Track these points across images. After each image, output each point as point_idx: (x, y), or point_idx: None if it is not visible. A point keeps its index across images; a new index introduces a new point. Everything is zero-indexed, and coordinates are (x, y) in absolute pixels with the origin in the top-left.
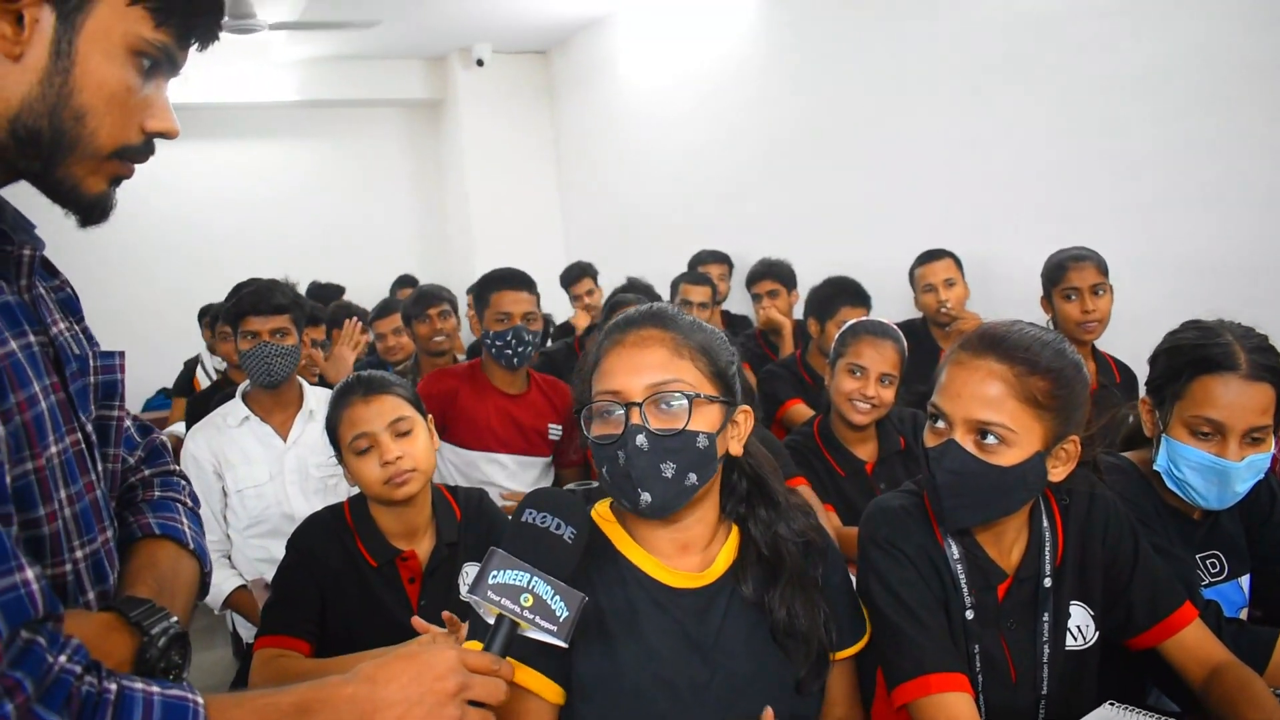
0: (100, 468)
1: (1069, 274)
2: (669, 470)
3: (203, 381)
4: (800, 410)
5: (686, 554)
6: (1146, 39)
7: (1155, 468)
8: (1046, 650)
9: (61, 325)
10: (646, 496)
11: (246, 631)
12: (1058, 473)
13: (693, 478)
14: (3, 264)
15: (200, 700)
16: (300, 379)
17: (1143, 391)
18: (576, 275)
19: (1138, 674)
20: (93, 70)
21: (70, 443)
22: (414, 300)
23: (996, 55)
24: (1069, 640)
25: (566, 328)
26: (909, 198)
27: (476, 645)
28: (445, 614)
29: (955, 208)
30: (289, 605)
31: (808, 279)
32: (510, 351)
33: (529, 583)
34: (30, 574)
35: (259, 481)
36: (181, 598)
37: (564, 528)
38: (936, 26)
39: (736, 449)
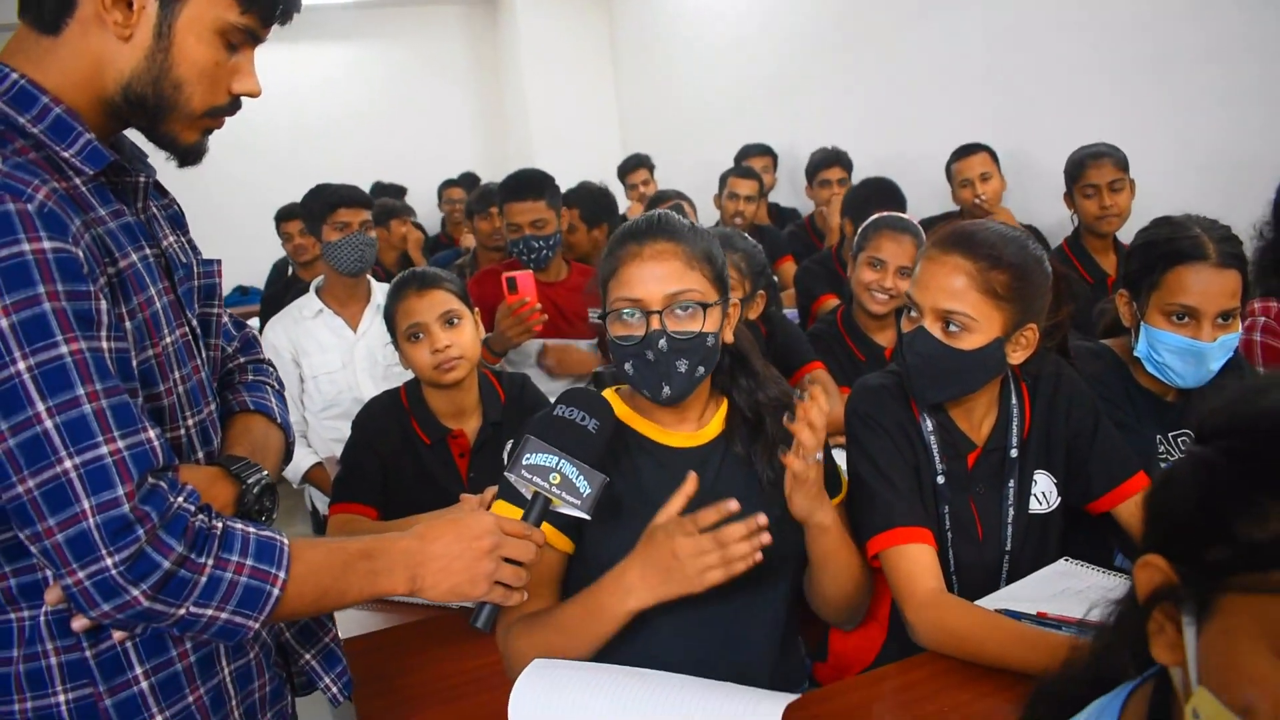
0: (204, 354)
1: (1087, 171)
2: (683, 366)
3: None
4: (833, 304)
5: (684, 422)
6: None
7: (1136, 354)
8: (1011, 513)
9: (170, 239)
10: (667, 390)
11: (322, 504)
12: (1016, 356)
13: (701, 370)
14: (124, 190)
15: (285, 540)
16: (368, 275)
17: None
18: (632, 166)
19: (1106, 540)
20: (188, 49)
21: (180, 334)
22: (476, 197)
23: None
24: (1034, 505)
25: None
26: (948, 92)
27: (505, 506)
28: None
29: (992, 102)
30: (356, 477)
31: (858, 172)
32: (524, 258)
33: (556, 464)
34: (153, 433)
35: (332, 369)
36: (271, 459)
37: (589, 420)
38: None
39: (729, 337)
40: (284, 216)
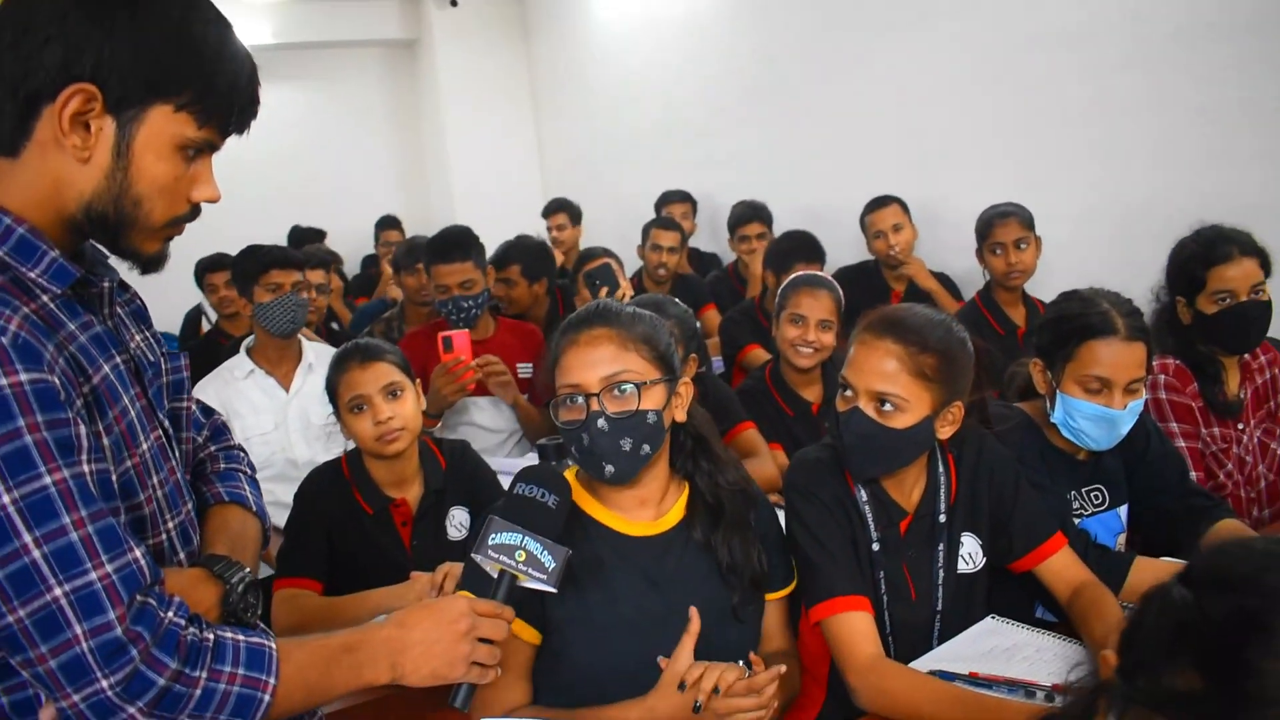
0: (178, 453)
1: (995, 230)
2: (626, 445)
3: (206, 329)
4: (758, 354)
5: (644, 508)
6: (1072, 2)
7: (1052, 420)
8: (941, 574)
9: (137, 338)
10: (610, 468)
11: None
12: (944, 432)
13: (646, 448)
14: (90, 299)
15: (273, 644)
16: (299, 335)
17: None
18: (552, 210)
19: (1028, 594)
20: (146, 167)
21: (154, 439)
22: (404, 253)
23: (940, 13)
24: (961, 565)
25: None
26: (863, 145)
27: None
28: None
29: (907, 155)
30: (300, 551)
31: (776, 220)
32: (454, 318)
33: (521, 541)
34: (139, 551)
35: (265, 430)
36: (250, 551)
37: (548, 495)
38: None
39: (681, 416)
40: (210, 267)
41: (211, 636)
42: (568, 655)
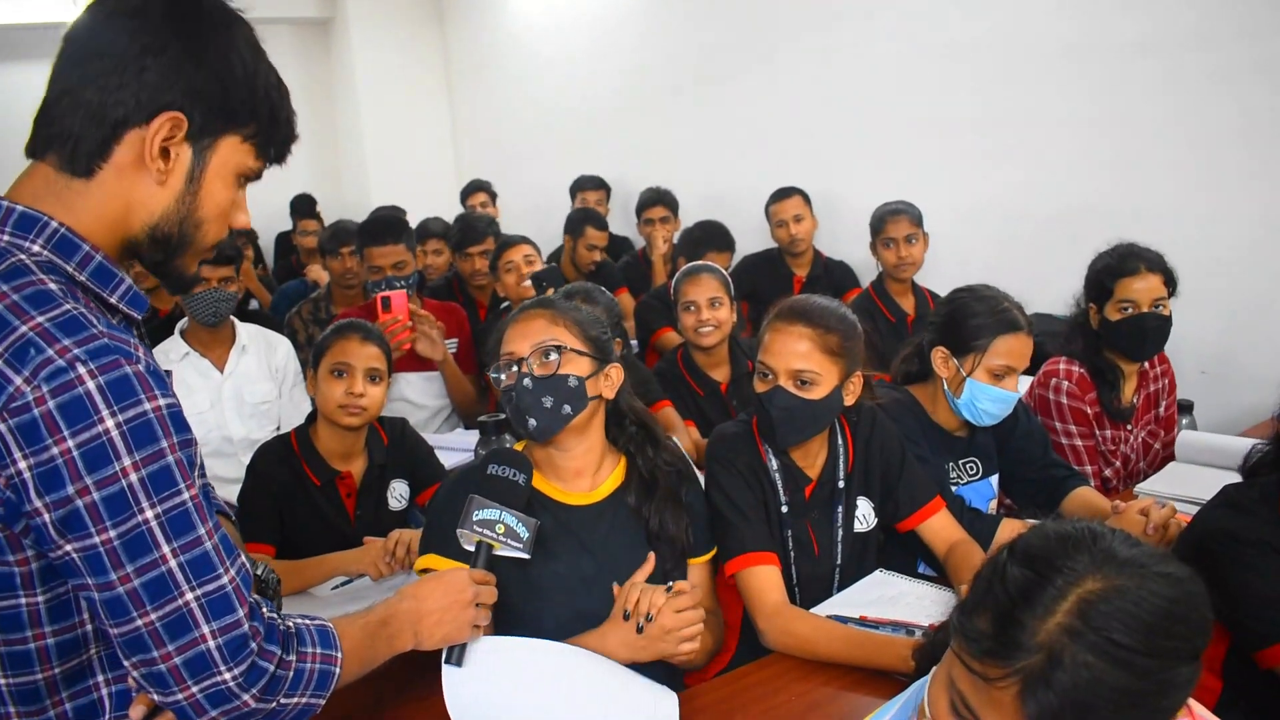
0: None
1: (887, 226)
2: (548, 402)
3: None
4: (671, 337)
5: (580, 478)
6: (970, 16)
7: (957, 402)
8: (840, 533)
9: None
10: (532, 422)
11: None
12: (849, 399)
13: (567, 409)
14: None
15: (331, 624)
16: (232, 317)
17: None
18: (471, 190)
19: (911, 551)
20: (214, 193)
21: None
22: (329, 237)
23: (843, 20)
24: (857, 525)
25: None
26: (771, 139)
27: (435, 559)
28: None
29: (810, 150)
30: (254, 518)
31: (686, 209)
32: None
33: (500, 516)
34: (243, 555)
35: (201, 409)
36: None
37: (518, 475)
38: None
39: (609, 393)
40: None
41: (291, 624)
42: (510, 609)
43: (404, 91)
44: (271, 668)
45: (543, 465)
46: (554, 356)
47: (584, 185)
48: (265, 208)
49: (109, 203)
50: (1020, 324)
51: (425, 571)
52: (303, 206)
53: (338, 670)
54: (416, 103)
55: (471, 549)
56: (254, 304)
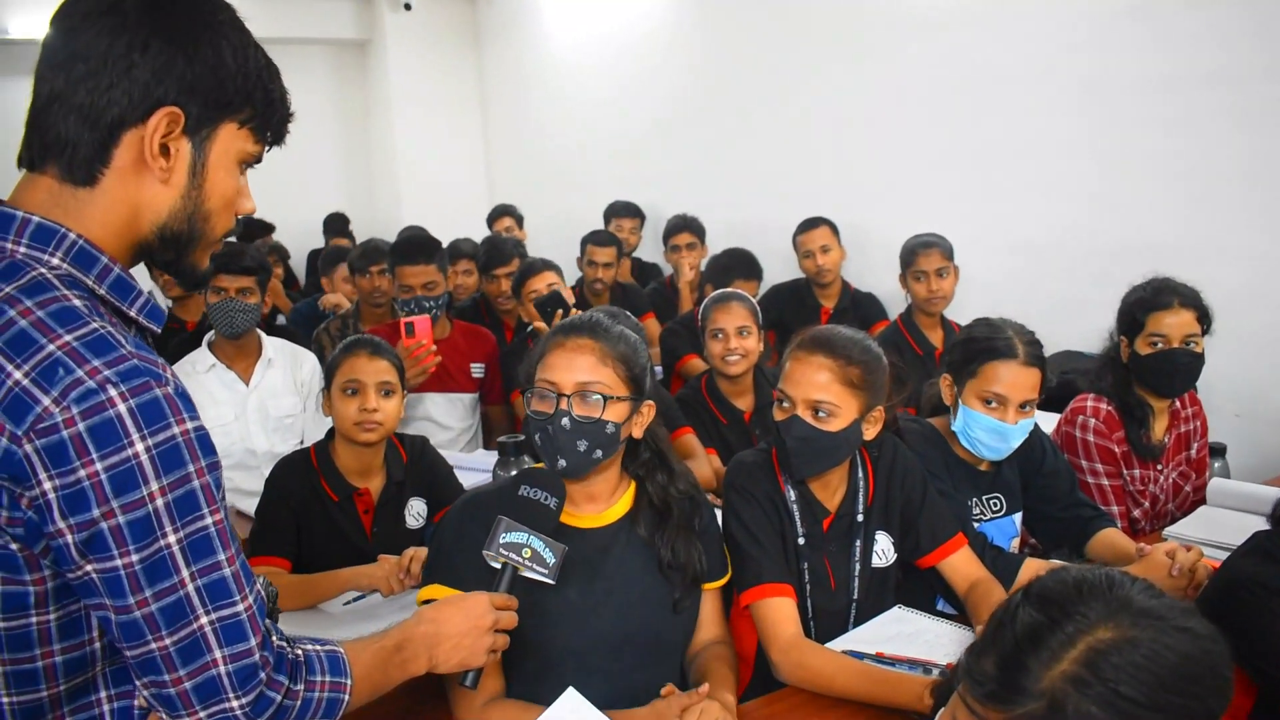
0: None
1: (918, 259)
2: (582, 445)
3: None
4: (696, 364)
5: (592, 503)
6: (1003, 48)
7: (952, 428)
8: (858, 567)
9: None
10: (563, 462)
11: None
12: (870, 433)
13: (599, 453)
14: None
15: (342, 649)
16: (259, 331)
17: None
18: (497, 215)
19: (931, 587)
20: (217, 183)
21: None
22: (360, 254)
23: (882, 49)
24: (875, 560)
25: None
26: (802, 167)
27: (438, 589)
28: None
29: (840, 179)
30: (271, 532)
31: (715, 236)
32: None
33: (527, 540)
34: (260, 583)
35: (225, 421)
36: None
37: (549, 498)
38: (829, 21)
39: (638, 433)
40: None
41: (300, 652)
42: (516, 633)
43: (438, 113)
44: (279, 697)
45: None
46: (596, 400)
47: (617, 211)
48: (299, 225)
49: (115, 209)
50: (1013, 353)
51: (427, 603)
52: (336, 225)
53: (347, 697)
54: (450, 124)
55: (497, 566)
56: (281, 320)
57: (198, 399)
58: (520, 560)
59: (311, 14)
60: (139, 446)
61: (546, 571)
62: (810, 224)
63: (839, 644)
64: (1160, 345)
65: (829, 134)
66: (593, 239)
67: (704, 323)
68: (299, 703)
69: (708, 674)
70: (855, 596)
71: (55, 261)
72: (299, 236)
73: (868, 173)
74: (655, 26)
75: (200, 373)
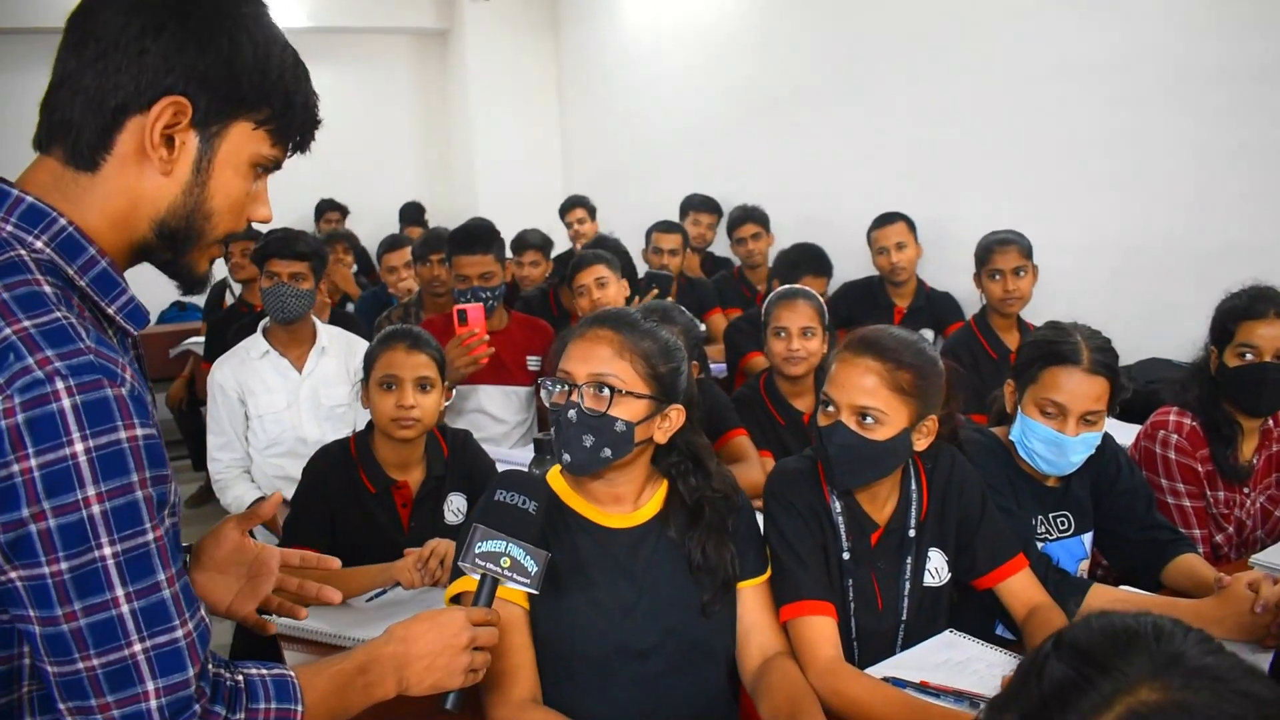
0: None
1: (994, 257)
2: (588, 441)
3: (229, 302)
4: (760, 362)
5: (620, 503)
6: (1100, 34)
7: (1010, 438)
8: (907, 586)
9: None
10: (566, 457)
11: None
12: (921, 443)
13: (607, 452)
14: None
15: (294, 674)
16: (314, 318)
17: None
18: (569, 206)
19: (990, 611)
20: (224, 182)
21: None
22: (422, 242)
23: (965, 36)
24: (927, 579)
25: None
26: (878, 160)
27: (466, 581)
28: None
29: (918, 173)
30: (304, 522)
31: (783, 229)
32: None
33: (505, 548)
34: (203, 609)
35: (277, 408)
36: None
37: (528, 502)
38: (909, 8)
39: (662, 438)
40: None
41: (241, 677)
42: (541, 636)
43: (515, 103)
44: None
45: (580, 486)
46: (606, 393)
47: (695, 205)
48: (377, 213)
49: (114, 198)
50: (1077, 358)
51: (456, 600)
52: (411, 214)
53: None
54: (527, 114)
55: (477, 578)
56: (350, 307)
57: (251, 386)
58: (499, 570)
59: (392, 3)
60: (79, 446)
61: (528, 581)
62: (886, 219)
63: (882, 669)
64: (1250, 357)
65: (907, 125)
66: (658, 226)
67: (767, 319)
68: None
69: None
70: (904, 617)
71: (39, 245)
72: (376, 224)
73: (947, 166)
74: (732, 14)
75: (254, 359)
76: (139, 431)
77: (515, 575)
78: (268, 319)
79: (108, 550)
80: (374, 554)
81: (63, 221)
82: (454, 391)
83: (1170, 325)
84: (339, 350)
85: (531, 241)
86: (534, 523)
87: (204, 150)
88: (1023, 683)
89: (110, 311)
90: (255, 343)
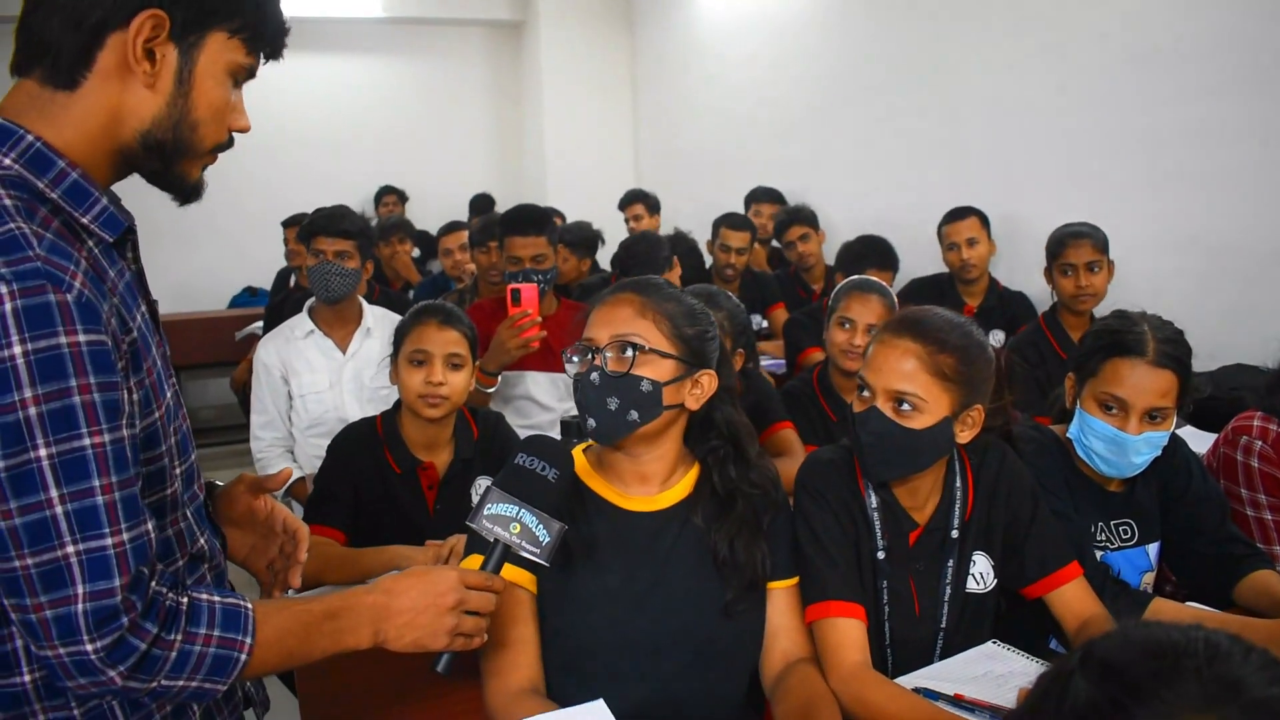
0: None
1: (1067, 250)
2: (613, 404)
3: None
4: (819, 357)
5: (645, 484)
6: (1178, 20)
7: (1068, 435)
8: (948, 591)
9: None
10: (592, 423)
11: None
12: (964, 436)
13: (634, 414)
14: (121, 245)
15: (249, 605)
16: (360, 299)
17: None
18: (628, 200)
19: (1043, 624)
20: (206, 92)
21: (171, 386)
22: (479, 229)
23: (1037, 24)
24: (971, 584)
25: None
26: (950, 154)
27: (476, 559)
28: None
29: (992, 167)
30: (327, 501)
31: (851, 224)
32: None
33: (517, 514)
34: (150, 524)
35: (320, 389)
36: None
37: (549, 469)
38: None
39: (694, 404)
40: (288, 223)
41: (186, 600)
42: (551, 623)
43: (588, 95)
44: (144, 645)
45: (603, 465)
46: (630, 353)
47: (758, 197)
48: (445, 202)
49: (95, 114)
50: (1142, 350)
51: None
52: (481, 205)
53: (243, 657)
54: (600, 107)
55: (491, 541)
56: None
57: (294, 365)
58: (507, 536)
59: None
60: (16, 349)
61: (539, 551)
62: (957, 214)
63: (913, 679)
64: None
65: (982, 117)
66: (727, 221)
67: (834, 307)
68: (175, 653)
69: None
70: (943, 625)
71: (7, 162)
72: (444, 215)
73: (1022, 160)
74: (804, 7)
75: (299, 338)
76: (82, 338)
77: (524, 543)
78: (313, 299)
79: (43, 451)
80: (397, 536)
81: (30, 138)
82: (499, 378)
83: (1258, 330)
84: (384, 332)
85: (565, 239)
86: (553, 491)
87: (184, 62)
88: (1040, 701)
89: (85, 221)
90: (300, 322)
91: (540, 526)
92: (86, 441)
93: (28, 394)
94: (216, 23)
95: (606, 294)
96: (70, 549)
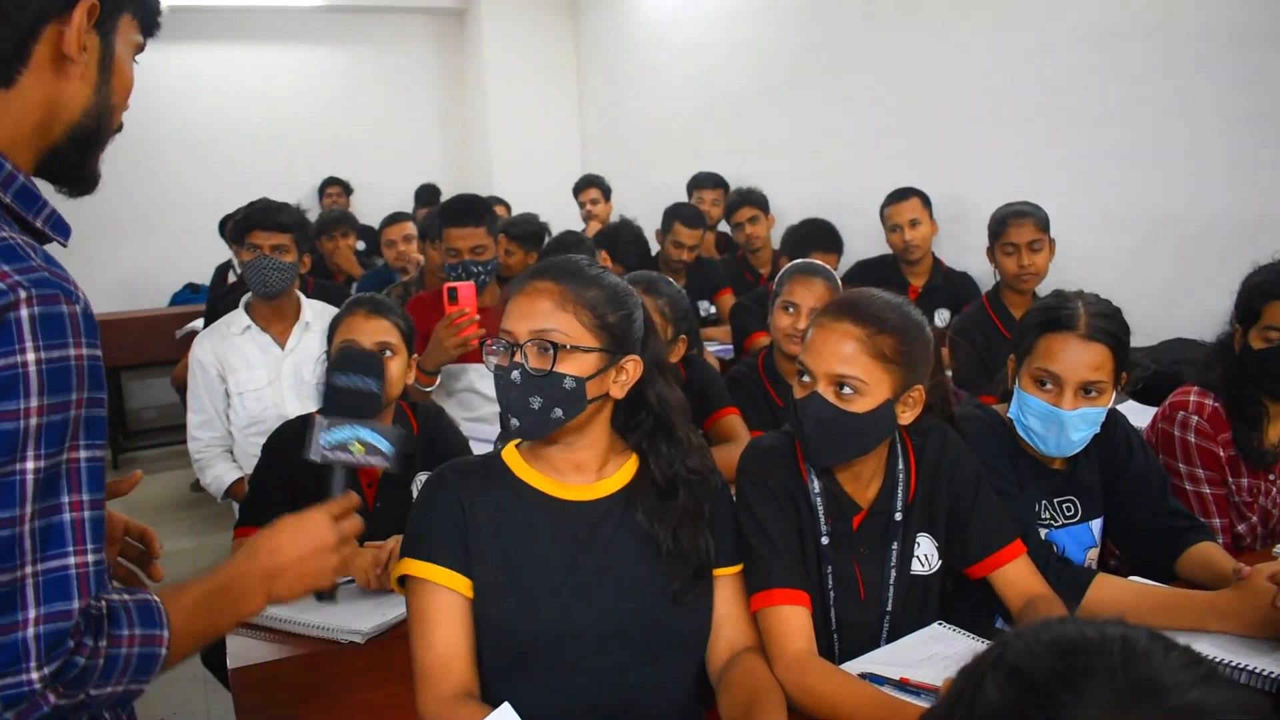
0: None
1: (1009, 230)
2: (535, 403)
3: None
4: (765, 342)
5: (580, 473)
6: (1111, 1)
7: (1008, 415)
8: (893, 574)
9: None
10: (515, 422)
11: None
12: (906, 417)
13: (558, 412)
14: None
15: (157, 598)
16: (298, 293)
17: None
18: (583, 185)
19: (988, 604)
20: (122, 75)
21: None
22: (429, 221)
23: (976, 6)
24: (916, 566)
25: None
26: (892, 136)
27: (414, 564)
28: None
29: (934, 148)
30: (262, 501)
31: (796, 208)
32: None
33: (354, 433)
34: (103, 551)
35: (258, 385)
36: None
37: (367, 381)
38: None
39: (618, 392)
40: (226, 220)
41: (104, 604)
42: (491, 617)
43: (533, 84)
44: (82, 660)
45: (536, 457)
46: (551, 351)
47: (700, 183)
48: (393, 194)
49: (32, 111)
50: (1073, 324)
51: (402, 580)
52: (426, 195)
53: (163, 651)
54: (545, 95)
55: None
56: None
57: (231, 362)
58: (353, 457)
59: None
60: (30, 356)
61: (386, 460)
62: (900, 195)
63: (860, 664)
64: (1276, 339)
65: (924, 99)
66: (680, 217)
67: (778, 291)
68: (103, 661)
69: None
70: (889, 608)
71: None
72: (393, 206)
73: (962, 141)
74: None
75: (235, 335)
76: (85, 352)
77: (370, 458)
78: (249, 294)
79: (30, 464)
80: None
81: None
82: (440, 375)
83: (1196, 304)
84: (323, 326)
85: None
86: (377, 400)
87: (104, 48)
88: (953, 705)
89: (37, 225)
90: (236, 317)
91: (380, 438)
92: (64, 457)
93: (34, 403)
94: (127, 6)
95: (524, 280)
96: (29, 569)
